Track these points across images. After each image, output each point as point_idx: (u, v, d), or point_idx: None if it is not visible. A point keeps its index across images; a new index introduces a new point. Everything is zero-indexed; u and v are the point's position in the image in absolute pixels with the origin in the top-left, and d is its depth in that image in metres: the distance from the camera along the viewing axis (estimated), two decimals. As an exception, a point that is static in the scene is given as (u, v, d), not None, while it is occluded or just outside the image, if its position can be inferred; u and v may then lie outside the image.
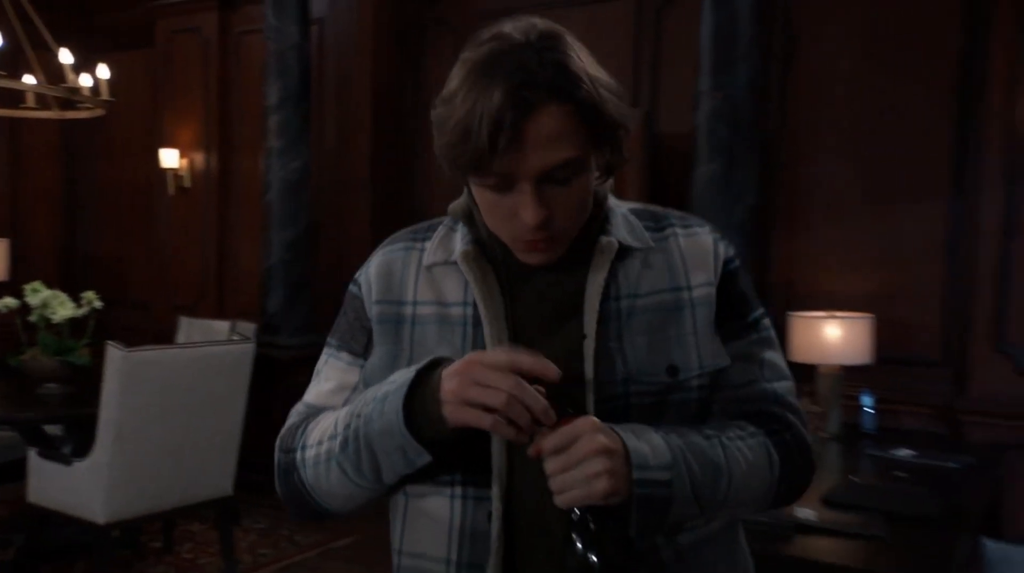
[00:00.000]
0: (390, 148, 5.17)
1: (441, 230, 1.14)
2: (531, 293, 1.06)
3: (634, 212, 1.13)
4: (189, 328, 4.87)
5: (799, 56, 3.87)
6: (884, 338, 3.36)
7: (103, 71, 4.15)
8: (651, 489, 0.94)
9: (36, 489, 3.53)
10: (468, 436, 0.96)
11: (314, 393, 1.16)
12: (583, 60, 0.97)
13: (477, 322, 1.04)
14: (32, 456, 3.57)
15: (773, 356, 1.13)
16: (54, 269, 6.10)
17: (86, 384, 4.02)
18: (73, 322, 4.05)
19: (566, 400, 0.94)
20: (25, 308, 3.97)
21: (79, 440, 3.81)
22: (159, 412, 3.36)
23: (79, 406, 3.76)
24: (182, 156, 5.74)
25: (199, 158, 5.73)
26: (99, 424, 3.30)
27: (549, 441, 0.91)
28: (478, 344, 1.03)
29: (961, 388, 3.46)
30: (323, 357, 1.17)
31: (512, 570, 1.02)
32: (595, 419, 0.94)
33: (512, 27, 0.98)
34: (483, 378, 0.91)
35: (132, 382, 3.27)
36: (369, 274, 1.14)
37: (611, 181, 1.11)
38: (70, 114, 4.46)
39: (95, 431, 3.32)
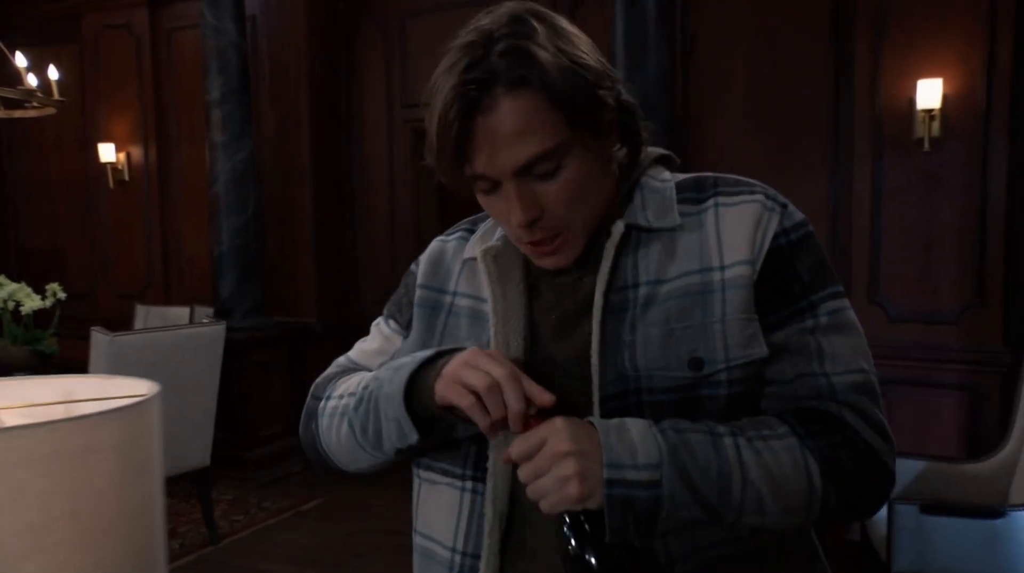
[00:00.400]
0: (328, 136, 5.50)
1: (488, 222, 1.08)
2: (550, 292, 1.00)
3: (679, 185, 1.02)
4: (146, 315, 5.13)
5: (697, 50, 4.40)
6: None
7: (53, 72, 4.34)
8: (629, 490, 0.84)
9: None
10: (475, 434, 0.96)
11: (359, 350, 1.17)
12: (553, 40, 0.89)
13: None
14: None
15: (838, 344, 0.95)
16: (-8, 262, 6.19)
17: (56, 372, 4.28)
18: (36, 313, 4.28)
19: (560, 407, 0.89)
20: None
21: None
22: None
23: None
24: (119, 150, 5.91)
25: (136, 151, 5.91)
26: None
27: (515, 447, 0.87)
28: (499, 344, 0.98)
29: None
30: (378, 319, 1.18)
31: (515, 564, 0.98)
32: (564, 419, 0.87)
33: (487, 18, 0.91)
34: (480, 363, 0.89)
35: (118, 365, 3.58)
36: (422, 257, 1.14)
37: (648, 153, 1.03)
38: (17, 113, 4.62)
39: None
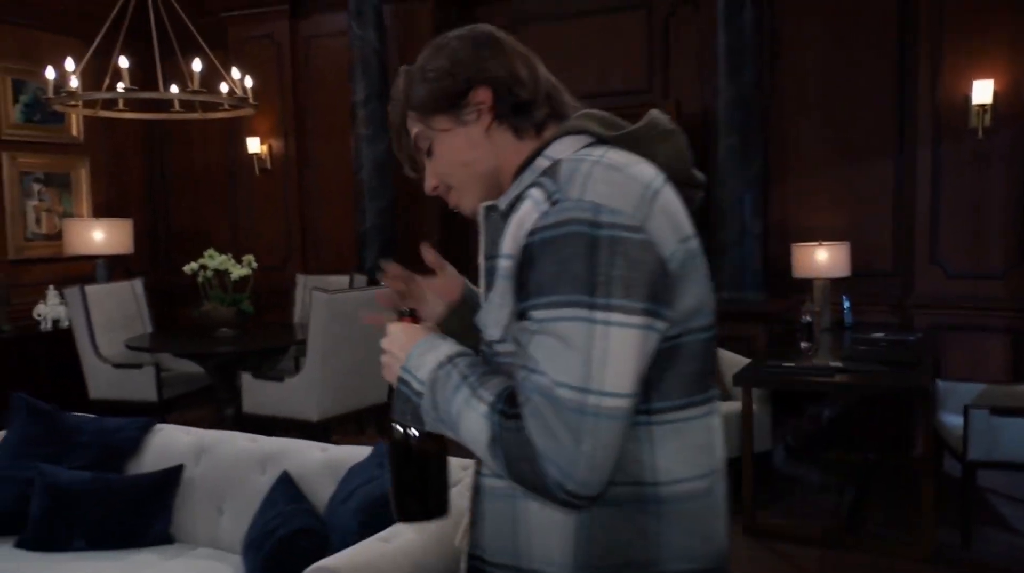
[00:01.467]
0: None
1: None
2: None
3: (548, 168, 1.08)
4: (305, 282, 6.05)
5: (781, 53, 5.24)
6: (855, 258, 4.81)
7: (248, 80, 5.24)
8: (409, 391, 1.10)
9: (251, 403, 4.72)
10: None
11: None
12: (424, 59, 1.18)
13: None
14: (247, 378, 4.75)
15: (536, 349, 0.99)
16: (147, 243, 7.11)
17: (250, 326, 5.21)
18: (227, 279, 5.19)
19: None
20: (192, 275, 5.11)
21: (256, 365, 5.00)
22: (347, 338, 4.58)
23: (250, 343, 4.93)
24: (262, 143, 6.81)
25: (277, 143, 6.81)
26: (308, 348, 4.52)
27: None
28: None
29: (909, 290, 4.94)
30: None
31: None
32: (400, 325, 1.15)
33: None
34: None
35: (332, 317, 4.49)
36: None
37: (563, 127, 1.14)
38: (210, 115, 5.53)
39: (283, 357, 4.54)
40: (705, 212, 5.33)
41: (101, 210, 6.65)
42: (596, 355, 0.96)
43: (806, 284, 4.80)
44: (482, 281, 1.15)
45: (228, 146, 7.02)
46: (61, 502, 2.73)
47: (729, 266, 4.98)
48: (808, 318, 4.40)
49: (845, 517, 3.95)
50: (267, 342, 5.05)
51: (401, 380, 1.12)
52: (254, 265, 5.27)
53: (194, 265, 5.15)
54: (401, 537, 2.03)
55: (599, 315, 0.97)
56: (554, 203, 1.00)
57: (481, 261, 1.16)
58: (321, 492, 2.55)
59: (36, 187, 6.20)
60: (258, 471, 2.73)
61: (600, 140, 1.12)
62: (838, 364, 3.69)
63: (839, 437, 4.93)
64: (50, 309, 5.89)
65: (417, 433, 1.13)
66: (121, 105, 5.33)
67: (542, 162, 1.12)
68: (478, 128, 1.15)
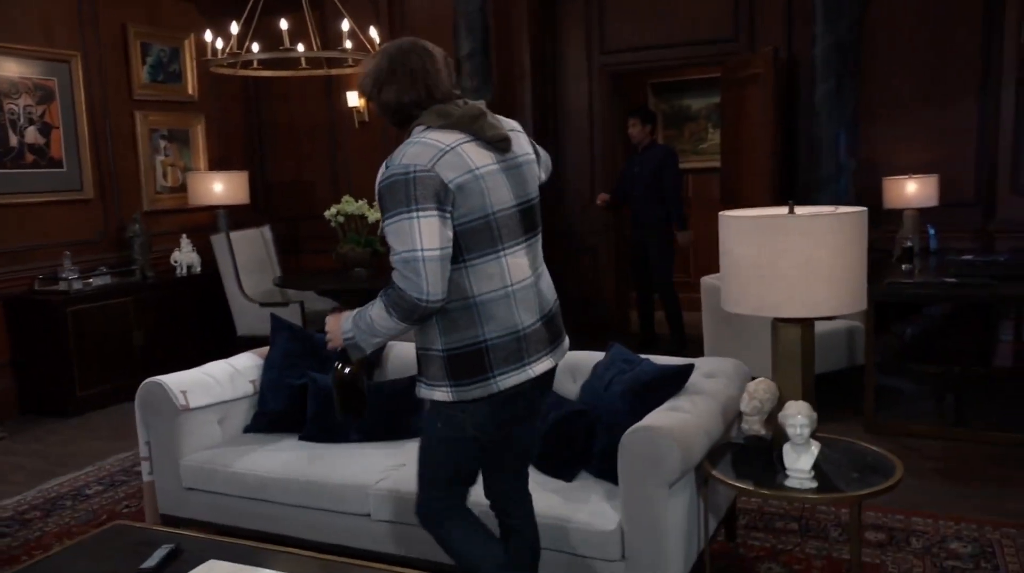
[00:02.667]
0: (539, 81, 6.81)
1: None
2: None
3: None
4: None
5: (874, 1, 5.64)
6: (942, 189, 5.28)
7: (373, 32, 5.64)
8: (348, 341, 2.05)
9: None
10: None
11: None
12: (367, 64, 2.11)
13: None
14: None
15: (394, 240, 1.92)
16: (251, 195, 7.56)
17: (381, 267, 5.70)
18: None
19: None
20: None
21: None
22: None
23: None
24: (360, 97, 7.23)
25: (374, 97, 7.23)
26: (457, 282, 5.01)
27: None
28: None
29: (991, 217, 5.43)
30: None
31: None
32: (334, 315, 2.13)
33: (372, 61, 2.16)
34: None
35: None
36: None
37: (415, 123, 2.07)
38: (335, 71, 5.95)
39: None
40: (803, 151, 5.79)
41: (215, 164, 7.11)
42: (416, 232, 1.91)
43: (895, 215, 5.28)
44: None
45: (327, 101, 7.43)
46: (332, 403, 3.26)
47: (825, 199, 5.44)
48: (909, 243, 4.89)
49: (953, 417, 4.49)
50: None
51: (345, 340, 2.07)
52: (385, 210, 5.74)
53: (333, 209, 5.62)
54: (682, 409, 2.55)
55: (413, 214, 1.91)
56: (387, 167, 1.97)
57: None
58: (563, 388, 3.07)
59: (162, 143, 6.64)
60: (496, 374, 3.25)
61: (431, 126, 2.03)
62: (952, 279, 4.19)
63: (924, 351, 5.45)
64: (184, 256, 6.38)
65: (347, 369, 2.19)
66: (256, 64, 5.76)
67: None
68: (385, 118, 2.15)
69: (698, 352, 4.68)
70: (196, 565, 2.20)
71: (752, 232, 2.30)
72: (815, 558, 3.01)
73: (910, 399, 4.87)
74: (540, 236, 2.24)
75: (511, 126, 2.21)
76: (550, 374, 2.20)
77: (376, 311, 1.99)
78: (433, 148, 1.97)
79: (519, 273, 2.08)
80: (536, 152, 2.33)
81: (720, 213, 2.44)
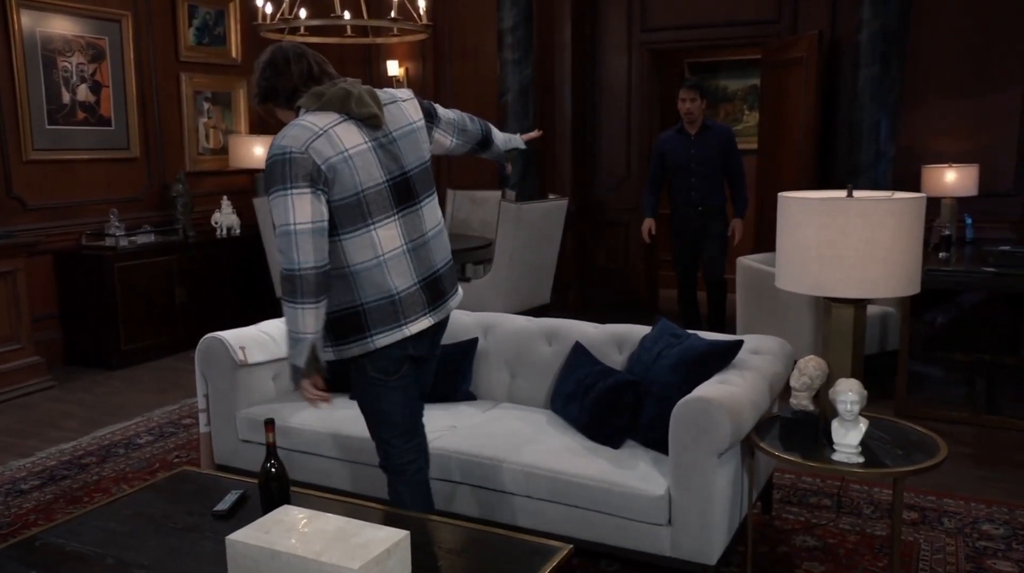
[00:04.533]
0: (578, 56, 6.84)
1: None
2: None
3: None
4: (455, 197, 6.61)
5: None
6: (981, 178, 5.30)
7: (421, 2, 5.68)
8: (294, 364, 2.27)
9: (439, 300, 5.34)
10: None
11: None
12: (257, 70, 2.35)
13: None
14: (433, 279, 5.36)
15: (274, 215, 2.17)
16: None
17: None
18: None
19: None
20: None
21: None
22: (527, 243, 5.17)
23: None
24: (400, 66, 7.29)
25: (414, 66, 7.29)
26: (496, 252, 5.11)
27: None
28: None
29: (1029, 208, 5.46)
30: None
31: None
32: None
33: (265, 55, 2.38)
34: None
35: (519, 224, 5.06)
36: None
37: (297, 108, 2.29)
38: (380, 39, 6.00)
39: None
40: (842, 137, 5.81)
41: (255, 128, 7.19)
42: (290, 208, 2.14)
43: (932, 203, 5.29)
44: None
45: (365, 68, 7.49)
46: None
47: (863, 186, 5.47)
48: (947, 231, 4.93)
49: (984, 404, 4.55)
50: (453, 245, 5.62)
51: (293, 368, 2.29)
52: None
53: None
54: (731, 383, 2.64)
55: (288, 191, 2.14)
56: (271, 147, 2.19)
57: None
58: (609, 359, 3.16)
59: (206, 105, 6.73)
60: (544, 343, 3.35)
61: (309, 108, 2.25)
62: (991, 269, 4.23)
63: (954, 339, 5.50)
64: (224, 217, 6.49)
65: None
66: (302, 31, 5.82)
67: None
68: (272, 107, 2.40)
69: (731, 331, 4.75)
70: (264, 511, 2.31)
71: (813, 213, 2.36)
72: (849, 533, 3.11)
73: (940, 386, 4.93)
74: (427, 199, 2.43)
75: (392, 97, 2.39)
76: (432, 329, 2.45)
77: (284, 314, 2.25)
78: (308, 131, 2.19)
79: (390, 243, 2.30)
80: (433, 116, 2.56)
81: (780, 194, 2.51)
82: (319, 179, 2.16)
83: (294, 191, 2.13)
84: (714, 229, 5.40)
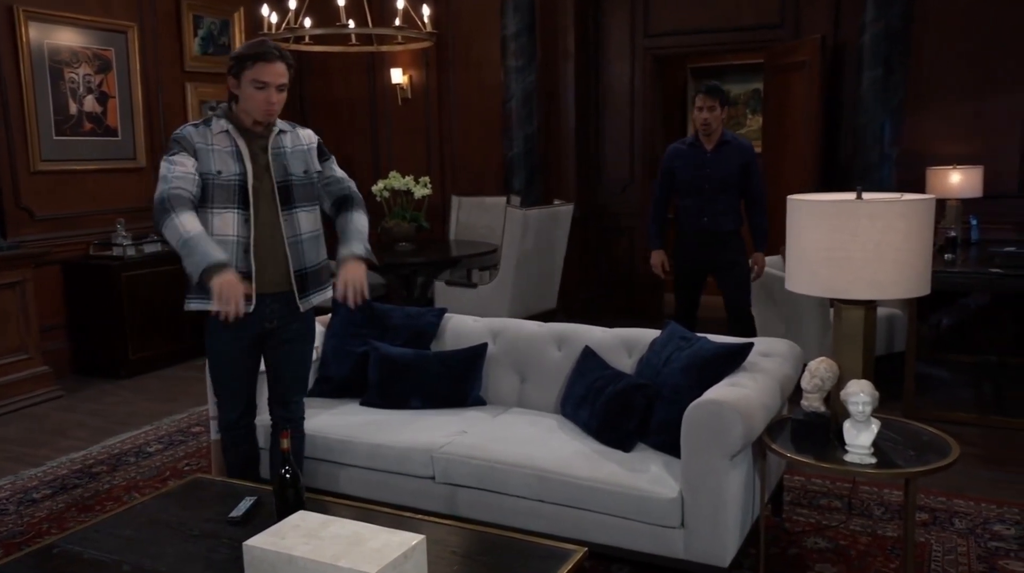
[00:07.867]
0: (582, 62, 6.86)
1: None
2: None
3: None
4: (459, 204, 6.63)
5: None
6: (986, 180, 5.31)
7: (426, 9, 5.71)
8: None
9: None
10: None
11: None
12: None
13: None
14: (439, 286, 5.38)
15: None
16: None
17: (425, 243, 5.81)
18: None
19: None
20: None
21: (430, 275, 5.62)
22: (534, 249, 5.18)
23: (435, 254, 5.53)
24: (404, 74, 7.31)
25: (417, 74, 7.31)
26: (502, 258, 5.12)
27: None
28: None
29: (1034, 210, 5.47)
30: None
31: None
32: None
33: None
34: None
35: (524, 230, 5.08)
36: None
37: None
38: (384, 48, 6.03)
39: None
40: (845, 139, 5.82)
41: (260, 136, 7.20)
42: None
43: (940, 204, 5.31)
44: None
45: (368, 77, 7.52)
46: (393, 371, 3.38)
47: (867, 189, 5.47)
48: (952, 233, 4.94)
49: (992, 405, 4.55)
50: (460, 251, 5.64)
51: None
52: (429, 187, 5.85)
53: (380, 184, 5.73)
54: (742, 385, 2.65)
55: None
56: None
57: None
58: (619, 362, 3.17)
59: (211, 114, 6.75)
60: (553, 348, 3.36)
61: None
62: (998, 270, 4.24)
63: (960, 341, 5.51)
64: (230, 226, 6.50)
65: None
66: (307, 39, 5.85)
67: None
68: None
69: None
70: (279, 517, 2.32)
71: (823, 216, 2.37)
72: (860, 535, 3.11)
73: (947, 387, 4.93)
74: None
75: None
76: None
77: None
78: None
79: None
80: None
81: (790, 197, 2.52)
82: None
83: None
84: (727, 257, 4.53)
